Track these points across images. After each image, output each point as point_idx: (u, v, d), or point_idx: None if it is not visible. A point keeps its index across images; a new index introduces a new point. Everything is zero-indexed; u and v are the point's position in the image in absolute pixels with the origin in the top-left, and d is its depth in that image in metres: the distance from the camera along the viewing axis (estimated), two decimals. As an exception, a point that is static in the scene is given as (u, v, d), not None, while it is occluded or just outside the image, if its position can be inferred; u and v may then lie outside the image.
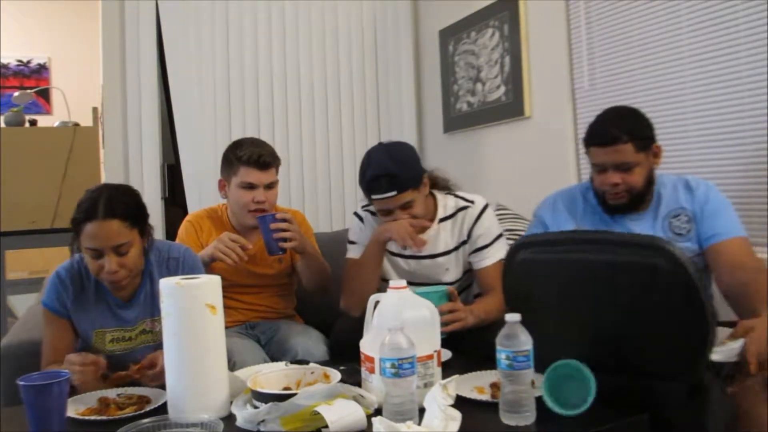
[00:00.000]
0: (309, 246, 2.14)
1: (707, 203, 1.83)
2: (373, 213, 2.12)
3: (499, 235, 2.05)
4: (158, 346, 1.59)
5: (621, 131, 1.78)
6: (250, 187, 2.12)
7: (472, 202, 2.07)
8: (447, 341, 1.68)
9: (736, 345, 1.34)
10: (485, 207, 2.06)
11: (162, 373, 1.45)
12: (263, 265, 2.21)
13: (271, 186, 2.16)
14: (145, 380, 1.57)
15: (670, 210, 1.86)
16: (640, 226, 1.87)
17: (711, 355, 1.28)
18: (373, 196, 1.91)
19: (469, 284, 2.16)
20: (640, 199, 1.85)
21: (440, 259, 2.06)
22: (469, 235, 2.04)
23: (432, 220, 2.05)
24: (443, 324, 1.60)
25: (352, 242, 2.15)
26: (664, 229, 1.86)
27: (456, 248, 2.06)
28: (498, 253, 2.01)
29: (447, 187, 2.14)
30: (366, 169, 1.92)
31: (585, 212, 1.95)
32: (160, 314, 1.53)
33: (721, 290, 1.75)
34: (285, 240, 2.02)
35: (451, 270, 2.06)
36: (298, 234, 2.05)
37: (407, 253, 2.05)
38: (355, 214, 2.18)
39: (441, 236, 2.05)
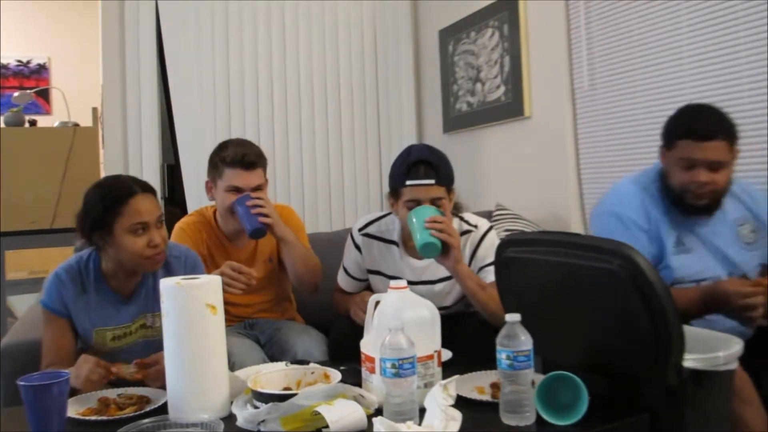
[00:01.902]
0: (289, 233, 2.10)
1: (764, 209, 1.83)
2: (372, 236, 2.06)
3: None
4: (159, 341, 1.57)
5: (719, 127, 1.71)
6: (237, 190, 2.06)
7: (475, 226, 2.01)
8: (447, 341, 1.67)
9: (720, 354, 1.30)
10: (488, 229, 2.02)
11: (162, 372, 1.46)
12: (253, 267, 2.12)
13: (258, 188, 2.09)
14: (146, 378, 1.57)
15: (737, 217, 1.83)
16: (714, 230, 1.81)
17: (686, 362, 1.26)
18: (409, 182, 1.85)
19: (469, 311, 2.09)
20: (719, 201, 1.77)
21: (442, 285, 2.01)
22: (472, 258, 1.99)
23: None
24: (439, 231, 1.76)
25: (344, 267, 2.14)
26: (735, 237, 1.81)
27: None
28: None
29: (455, 207, 2.05)
30: (406, 156, 1.89)
31: (668, 214, 1.82)
32: (160, 310, 1.54)
33: None
34: (265, 217, 2.01)
35: (451, 294, 2.03)
36: (274, 212, 2.05)
37: (409, 278, 1.99)
38: (352, 237, 2.10)
39: None
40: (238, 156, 2.06)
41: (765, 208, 1.86)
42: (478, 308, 1.86)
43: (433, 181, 1.84)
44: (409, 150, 1.92)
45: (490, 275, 1.94)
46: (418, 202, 1.86)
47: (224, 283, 1.84)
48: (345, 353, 1.70)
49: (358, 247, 2.08)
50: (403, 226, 1.96)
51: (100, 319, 1.73)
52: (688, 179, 1.73)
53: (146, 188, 1.71)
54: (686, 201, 1.77)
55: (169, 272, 1.76)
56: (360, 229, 2.08)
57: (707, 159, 1.69)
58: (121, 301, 1.75)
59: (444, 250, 1.80)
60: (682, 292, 1.67)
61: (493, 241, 1.99)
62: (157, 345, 1.60)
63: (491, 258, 1.94)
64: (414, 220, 1.82)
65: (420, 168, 1.84)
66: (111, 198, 1.66)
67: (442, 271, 1.97)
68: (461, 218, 2.03)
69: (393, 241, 2.04)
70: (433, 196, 1.85)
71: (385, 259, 2.05)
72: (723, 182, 1.73)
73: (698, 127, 1.72)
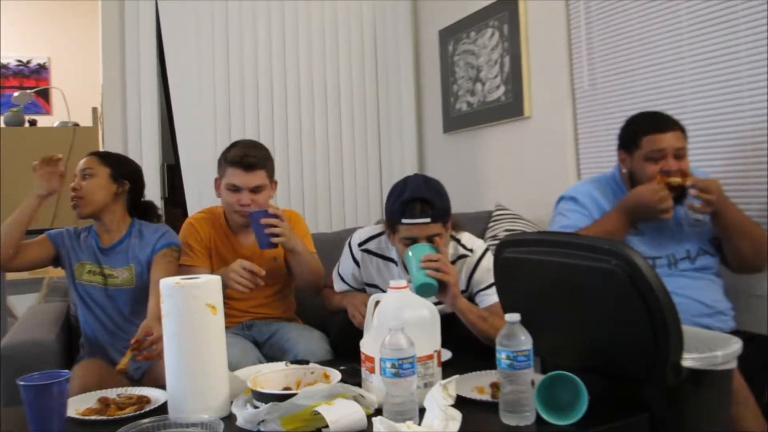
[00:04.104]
0: (299, 245, 2.11)
1: None
2: (371, 253, 2.04)
3: None
4: (131, 290, 2.03)
5: (672, 120, 1.94)
6: (235, 188, 2.10)
7: (471, 250, 1.99)
8: (447, 341, 1.67)
9: (719, 353, 1.30)
10: (484, 252, 1.99)
11: (159, 340, 1.54)
12: (257, 265, 2.15)
13: (258, 189, 2.11)
14: (148, 357, 1.65)
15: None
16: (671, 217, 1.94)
17: (684, 361, 1.26)
18: (405, 220, 1.82)
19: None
20: (685, 191, 1.89)
21: (441, 306, 1.94)
22: (468, 284, 1.98)
23: None
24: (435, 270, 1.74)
25: (340, 275, 2.12)
26: (684, 216, 1.95)
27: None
28: None
29: (452, 226, 2.01)
30: (402, 191, 1.84)
31: (612, 201, 1.99)
32: (127, 264, 2.05)
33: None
34: (276, 235, 2.01)
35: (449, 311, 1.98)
36: (288, 231, 2.04)
37: None
38: (350, 250, 2.08)
39: None
40: (237, 156, 2.10)
41: None
42: (479, 337, 1.82)
43: (428, 220, 1.81)
44: (404, 184, 1.87)
45: (488, 298, 1.94)
46: (414, 240, 1.84)
47: (232, 280, 1.93)
48: (348, 348, 1.69)
49: (356, 261, 2.07)
50: (401, 252, 1.93)
51: (81, 256, 2.07)
52: (659, 169, 1.89)
53: (92, 153, 2.13)
54: None
55: (141, 235, 2.10)
56: (359, 244, 2.06)
57: (672, 146, 1.89)
58: (99, 249, 2.08)
59: (441, 288, 1.78)
60: (604, 219, 1.91)
61: (488, 264, 1.95)
62: (125, 294, 2.04)
63: (488, 281, 1.95)
64: (410, 258, 1.80)
65: (416, 206, 1.81)
66: None
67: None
68: (458, 241, 2.00)
69: (392, 259, 2.02)
70: (429, 233, 1.83)
71: (383, 275, 2.03)
72: (687, 170, 1.91)
73: (658, 121, 1.95)
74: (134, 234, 2.09)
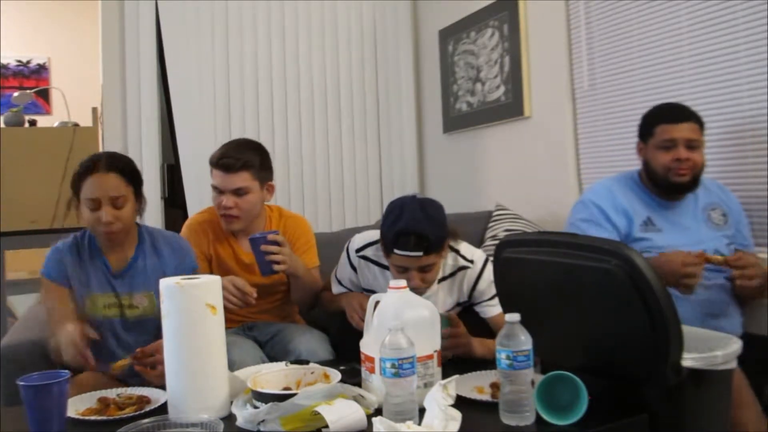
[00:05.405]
0: (300, 268, 2.08)
1: (735, 203, 2.08)
2: (368, 260, 2.01)
3: None
4: (153, 320, 1.76)
5: (689, 112, 1.98)
6: (217, 190, 2.06)
7: (471, 261, 1.95)
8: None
9: (719, 353, 1.30)
10: (485, 264, 1.96)
11: (162, 371, 1.46)
12: (259, 275, 2.10)
13: (240, 192, 2.05)
14: (143, 371, 1.60)
15: (707, 203, 2.03)
16: (685, 212, 2.01)
17: (684, 361, 1.26)
18: (397, 251, 1.74)
19: None
20: (699, 178, 1.96)
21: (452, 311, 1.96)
22: (470, 296, 1.96)
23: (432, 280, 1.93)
24: (445, 349, 1.61)
25: (338, 279, 2.09)
26: (705, 219, 2.01)
27: (454, 308, 1.98)
28: None
29: (452, 237, 1.95)
30: (397, 219, 1.75)
31: (640, 200, 2.03)
32: (147, 290, 1.82)
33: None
34: (277, 262, 1.97)
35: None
36: (289, 256, 2.00)
37: None
38: (348, 255, 2.05)
39: (440, 296, 1.94)
40: (216, 157, 2.07)
41: (734, 200, 2.09)
42: None
43: (421, 254, 1.74)
44: (400, 210, 1.76)
45: (491, 309, 1.94)
46: (406, 270, 1.79)
47: (224, 298, 1.84)
48: (348, 348, 1.68)
49: (353, 267, 2.04)
50: (395, 273, 1.88)
51: (93, 287, 1.83)
52: (670, 158, 1.93)
53: (111, 167, 1.78)
54: (671, 180, 1.95)
55: (157, 252, 1.89)
56: (357, 250, 2.02)
57: (684, 137, 1.93)
58: (112, 274, 1.84)
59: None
60: None
61: (490, 276, 1.91)
62: (147, 325, 1.82)
63: (491, 293, 1.93)
64: None
65: (410, 239, 1.72)
66: (80, 169, 1.79)
67: (440, 306, 1.92)
68: (457, 252, 1.96)
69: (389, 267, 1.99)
70: (422, 264, 1.77)
71: (381, 283, 1.99)
72: (699, 161, 1.95)
73: (673, 111, 2.00)
74: (148, 251, 1.88)
